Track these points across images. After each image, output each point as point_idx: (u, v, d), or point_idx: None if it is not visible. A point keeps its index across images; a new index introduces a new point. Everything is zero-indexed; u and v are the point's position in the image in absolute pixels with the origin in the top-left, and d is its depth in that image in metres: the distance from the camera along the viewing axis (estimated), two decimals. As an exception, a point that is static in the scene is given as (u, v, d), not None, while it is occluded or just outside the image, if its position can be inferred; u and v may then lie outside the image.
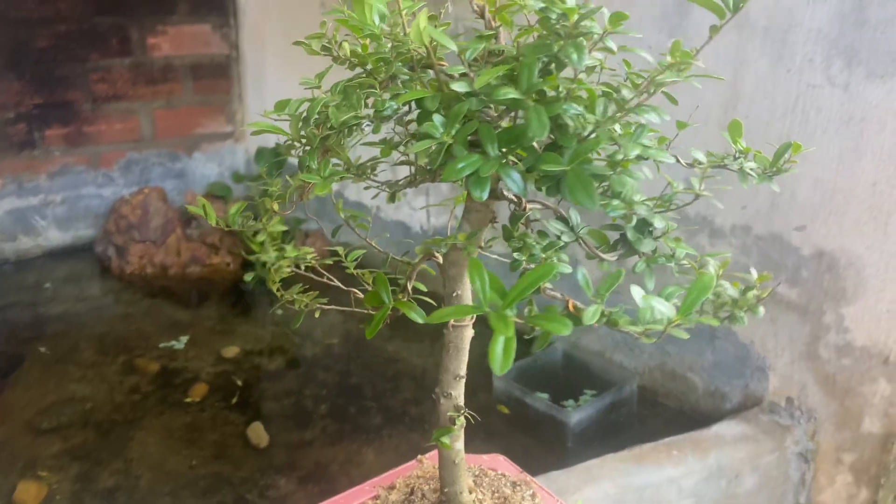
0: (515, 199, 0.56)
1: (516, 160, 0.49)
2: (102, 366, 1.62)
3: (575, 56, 0.46)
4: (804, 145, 1.23)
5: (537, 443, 1.36)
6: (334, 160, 0.58)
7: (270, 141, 2.22)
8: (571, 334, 1.55)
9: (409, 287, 0.62)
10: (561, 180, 0.48)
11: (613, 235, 0.59)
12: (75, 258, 2.10)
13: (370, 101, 0.54)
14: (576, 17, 0.46)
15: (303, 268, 0.68)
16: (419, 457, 0.77)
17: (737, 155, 0.60)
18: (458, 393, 0.65)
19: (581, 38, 0.47)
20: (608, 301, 0.56)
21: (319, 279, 0.70)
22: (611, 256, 0.58)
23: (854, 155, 1.12)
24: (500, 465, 0.76)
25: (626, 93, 0.53)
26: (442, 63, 0.50)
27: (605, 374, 1.49)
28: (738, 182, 1.22)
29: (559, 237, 0.55)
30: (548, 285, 0.57)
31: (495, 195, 0.56)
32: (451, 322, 0.63)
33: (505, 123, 0.52)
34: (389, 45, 0.52)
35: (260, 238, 2.08)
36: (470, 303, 0.62)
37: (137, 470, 1.31)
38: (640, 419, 1.44)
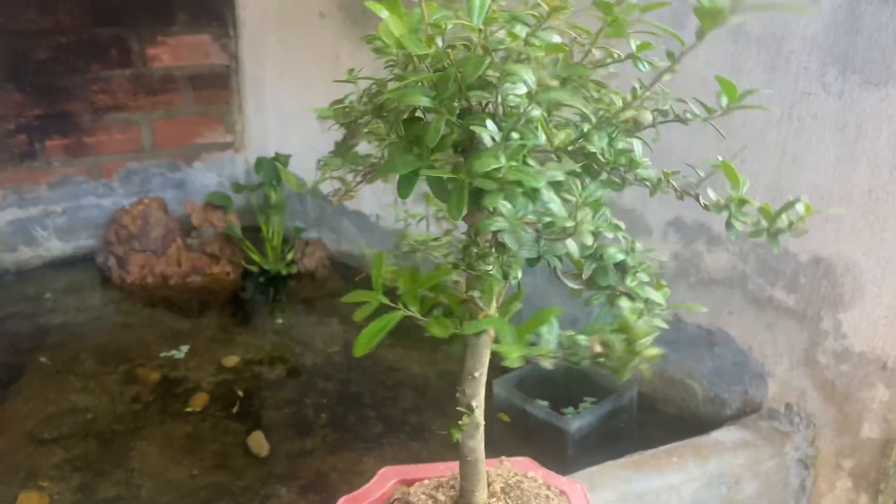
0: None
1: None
2: (103, 376, 1.62)
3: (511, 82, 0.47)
4: (801, 153, 1.24)
5: (538, 450, 1.36)
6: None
7: (270, 150, 2.23)
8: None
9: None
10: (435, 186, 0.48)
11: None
12: (76, 268, 2.11)
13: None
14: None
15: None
16: (502, 458, 0.78)
17: (727, 203, 0.58)
18: (473, 392, 0.66)
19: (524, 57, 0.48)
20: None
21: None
22: (574, 284, 0.59)
23: (850, 162, 1.13)
24: (551, 479, 0.77)
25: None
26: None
27: (605, 381, 1.50)
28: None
29: (513, 254, 0.56)
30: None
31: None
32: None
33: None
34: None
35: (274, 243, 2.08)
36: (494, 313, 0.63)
37: (138, 480, 1.31)
38: (640, 426, 1.44)
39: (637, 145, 0.54)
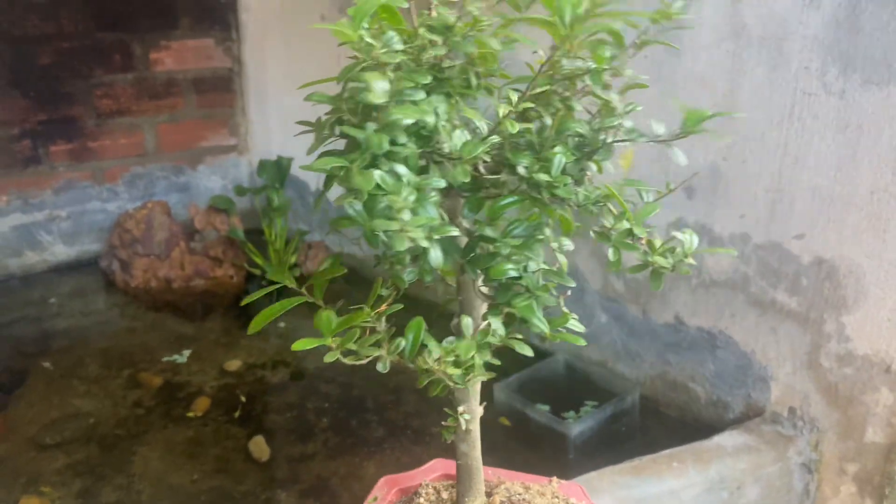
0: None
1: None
2: (106, 380, 1.63)
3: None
4: (802, 153, 1.22)
5: (538, 455, 1.36)
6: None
7: (273, 153, 2.23)
8: (573, 344, 1.54)
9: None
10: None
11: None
12: (81, 273, 2.12)
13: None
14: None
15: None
16: (553, 478, 0.78)
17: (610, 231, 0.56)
18: (461, 397, 0.66)
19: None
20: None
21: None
22: (487, 297, 0.59)
23: (852, 162, 1.11)
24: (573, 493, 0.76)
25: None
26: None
27: (607, 384, 1.49)
28: (733, 192, 1.23)
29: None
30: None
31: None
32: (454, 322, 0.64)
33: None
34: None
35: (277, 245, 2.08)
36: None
37: (139, 485, 1.31)
38: (642, 430, 1.43)
39: (557, 160, 0.52)
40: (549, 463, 1.33)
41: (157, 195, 2.23)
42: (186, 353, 1.73)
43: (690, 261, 0.54)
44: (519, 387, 1.46)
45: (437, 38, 0.51)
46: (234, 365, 1.69)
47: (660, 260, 0.53)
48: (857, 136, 1.10)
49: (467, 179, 0.52)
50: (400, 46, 0.49)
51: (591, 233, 0.56)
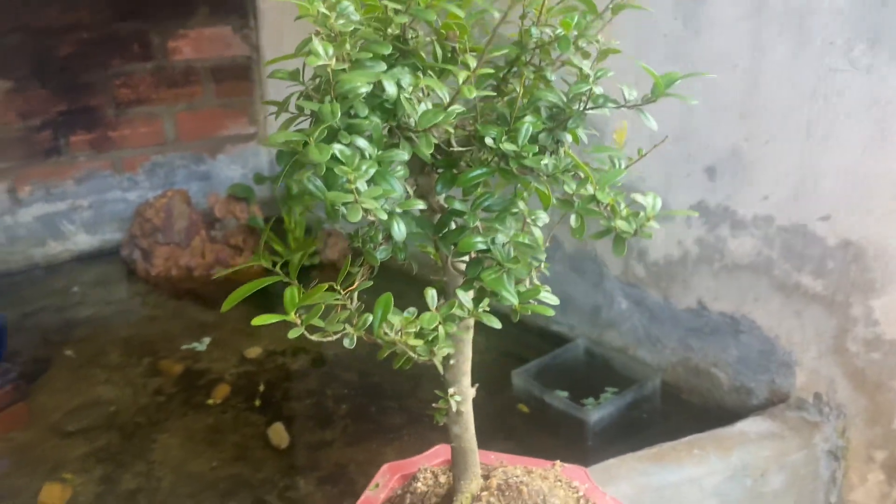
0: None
1: None
2: (127, 368, 1.64)
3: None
4: (827, 132, 1.19)
5: (557, 442, 1.34)
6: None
7: (291, 141, 2.22)
8: (593, 330, 1.50)
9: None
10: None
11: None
12: (103, 262, 2.13)
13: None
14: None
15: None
16: (556, 461, 0.79)
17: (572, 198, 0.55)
18: (452, 378, 0.66)
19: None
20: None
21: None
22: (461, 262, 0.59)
23: (880, 141, 1.08)
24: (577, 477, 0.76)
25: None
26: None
27: (628, 370, 1.47)
28: (756, 173, 1.20)
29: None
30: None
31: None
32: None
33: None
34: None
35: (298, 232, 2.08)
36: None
37: (159, 472, 1.32)
38: (663, 416, 1.41)
39: (525, 129, 0.51)
40: (567, 450, 1.31)
41: (178, 184, 2.24)
42: (206, 340, 1.73)
43: (654, 224, 0.53)
44: (537, 373, 1.44)
45: (400, 6, 0.50)
46: (254, 352, 1.70)
47: (621, 224, 0.52)
48: (885, 113, 1.06)
49: (430, 150, 0.51)
50: (356, 17, 0.49)
51: (554, 200, 0.55)
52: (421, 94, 0.51)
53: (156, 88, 2.17)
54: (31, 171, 2.04)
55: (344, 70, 0.49)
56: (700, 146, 1.29)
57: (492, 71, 0.55)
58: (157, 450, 1.38)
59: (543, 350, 1.52)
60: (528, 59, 0.55)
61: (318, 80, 0.51)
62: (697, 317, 1.38)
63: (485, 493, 0.69)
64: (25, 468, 1.33)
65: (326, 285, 0.56)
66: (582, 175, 0.54)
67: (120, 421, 1.46)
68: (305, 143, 0.47)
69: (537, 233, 0.57)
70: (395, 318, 0.54)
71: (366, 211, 0.48)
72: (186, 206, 2.10)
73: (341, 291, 0.56)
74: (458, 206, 0.56)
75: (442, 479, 0.75)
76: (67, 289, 2.00)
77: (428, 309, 0.55)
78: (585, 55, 0.54)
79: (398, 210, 0.50)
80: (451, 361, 0.65)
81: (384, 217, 0.49)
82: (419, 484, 0.75)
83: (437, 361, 0.54)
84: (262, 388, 1.56)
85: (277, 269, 0.59)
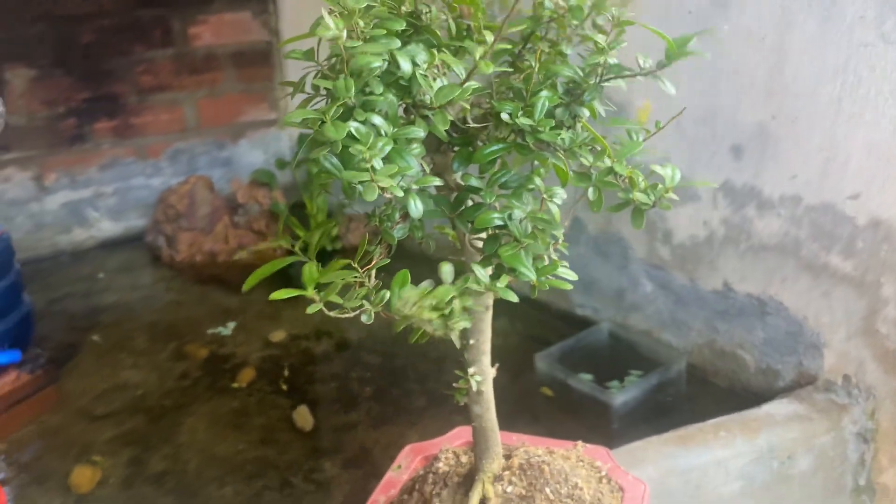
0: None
1: None
2: (153, 353, 1.66)
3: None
4: (857, 109, 1.16)
5: (581, 425, 1.34)
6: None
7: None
8: (618, 313, 1.49)
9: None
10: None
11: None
12: (128, 248, 2.15)
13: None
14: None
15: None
16: (578, 442, 0.80)
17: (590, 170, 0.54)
18: (472, 358, 0.66)
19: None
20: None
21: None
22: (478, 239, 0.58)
23: (912, 117, 1.05)
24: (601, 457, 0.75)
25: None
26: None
27: (653, 353, 1.46)
28: (783, 151, 1.18)
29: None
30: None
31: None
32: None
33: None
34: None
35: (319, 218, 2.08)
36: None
37: (186, 455, 1.34)
38: (689, 399, 1.40)
39: (540, 103, 0.51)
40: (591, 433, 1.29)
41: (201, 170, 2.25)
42: (231, 325, 1.75)
43: (672, 195, 0.52)
44: (561, 357, 1.44)
45: None
46: (278, 336, 1.71)
47: (640, 196, 0.51)
48: (917, 88, 1.04)
49: (446, 127, 0.50)
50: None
51: (571, 173, 0.55)
52: (436, 71, 0.50)
53: (177, 75, 2.17)
54: (56, 159, 2.06)
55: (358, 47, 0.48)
56: (726, 125, 1.27)
57: (509, 46, 0.54)
58: (184, 433, 1.40)
59: (567, 333, 1.52)
60: (543, 33, 0.54)
61: (333, 60, 0.51)
62: (723, 298, 1.37)
63: (506, 473, 0.68)
64: (56, 451, 1.35)
65: (345, 261, 0.56)
66: (599, 148, 0.53)
67: (147, 404, 1.48)
68: (322, 122, 0.46)
69: (554, 209, 0.56)
70: (412, 292, 0.54)
71: (382, 189, 0.48)
72: (209, 191, 2.11)
73: (359, 269, 0.56)
74: (474, 182, 0.56)
75: (463, 458, 0.75)
76: (93, 275, 2.02)
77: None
78: (601, 31, 0.53)
79: (414, 187, 0.50)
80: (471, 341, 0.65)
81: (400, 194, 0.49)
82: (441, 464, 0.75)
83: (454, 336, 0.54)
84: (286, 371, 1.57)
85: (296, 248, 0.59)
